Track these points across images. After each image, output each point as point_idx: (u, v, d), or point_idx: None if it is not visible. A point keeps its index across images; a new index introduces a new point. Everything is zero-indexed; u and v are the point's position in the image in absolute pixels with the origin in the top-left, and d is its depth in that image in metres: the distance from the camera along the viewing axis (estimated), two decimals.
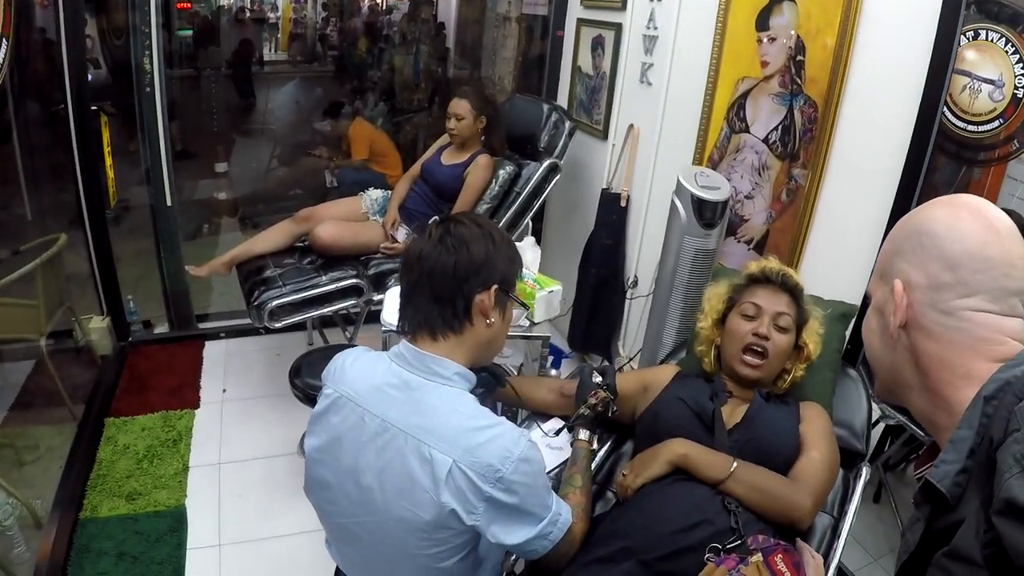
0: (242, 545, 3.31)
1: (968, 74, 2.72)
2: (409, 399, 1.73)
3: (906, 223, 1.25)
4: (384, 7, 7.72)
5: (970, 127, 2.80)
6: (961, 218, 1.16)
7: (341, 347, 3.64)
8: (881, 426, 3.27)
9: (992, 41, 2.74)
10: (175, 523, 3.35)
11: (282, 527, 3.39)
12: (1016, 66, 2.68)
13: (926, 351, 1.17)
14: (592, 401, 2.23)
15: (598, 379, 2.30)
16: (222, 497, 3.57)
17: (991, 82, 2.75)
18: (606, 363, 2.99)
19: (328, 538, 2.02)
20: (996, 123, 2.75)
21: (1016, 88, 2.69)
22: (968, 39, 2.67)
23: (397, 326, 1.86)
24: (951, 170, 2.90)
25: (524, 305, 2.59)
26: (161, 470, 3.67)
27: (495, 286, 1.78)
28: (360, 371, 1.85)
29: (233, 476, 3.71)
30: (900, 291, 1.19)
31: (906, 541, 1.15)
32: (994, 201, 2.67)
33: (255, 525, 3.41)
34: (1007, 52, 2.71)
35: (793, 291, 2.40)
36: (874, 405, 2.70)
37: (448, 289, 1.75)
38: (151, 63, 4.20)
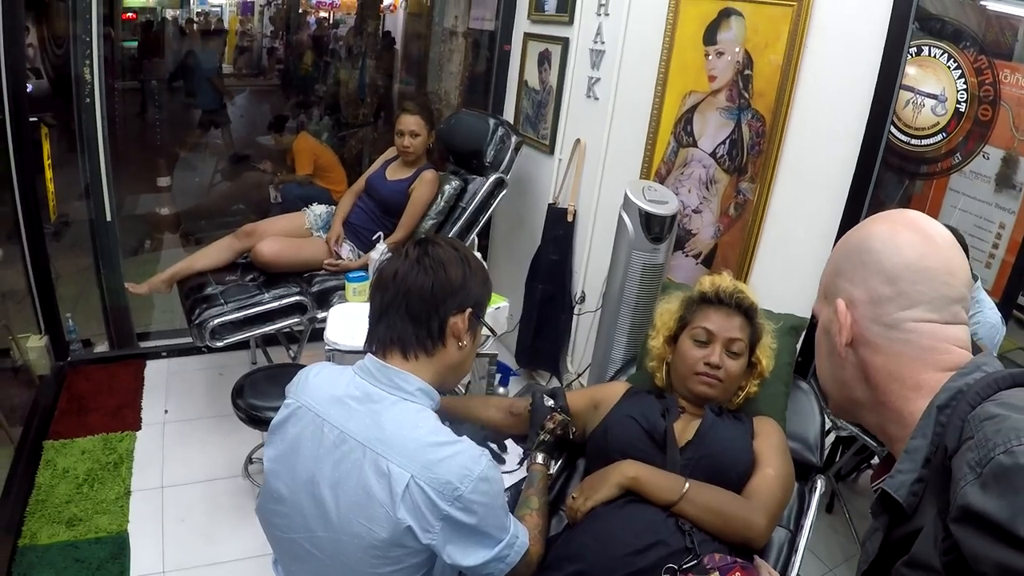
0: (186, 572, 3.22)
1: (911, 89, 2.76)
2: (370, 412, 1.70)
3: (845, 243, 1.27)
4: (331, 21, 7.68)
5: (913, 141, 2.84)
6: (898, 232, 1.19)
7: (285, 366, 3.58)
8: (832, 436, 3.28)
9: (935, 57, 2.77)
10: (117, 550, 3.24)
11: (227, 552, 3.30)
12: (958, 81, 2.71)
13: (874, 366, 1.18)
14: (550, 426, 2.20)
15: (550, 402, 2.27)
16: (165, 522, 3.47)
17: (934, 97, 2.78)
18: (556, 385, 2.96)
19: (275, 558, 1.96)
20: (939, 137, 2.79)
21: (958, 103, 2.72)
22: (911, 55, 2.68)
23: (364, 344, 1.84)
24: (895, 183, 2.93)
25: (492, 332, 2.59)
26: (102, 495, 3.56)
27: (469, 309, 1.80)
28: (323, 382, 1.82)
29: (176, 500, 3.62)
30: (843, 310, 1.21)
31: (865, 551, 1.16)
32: (936, 214, 2.72)
33: (199, 551, 3.32)
34: (949, 68, 2.74)
35: (747, 312, 2.37)
36: (826, 417, 2.69)
37: (425, 310, 1.75)
38: (91, 73, 4.12)
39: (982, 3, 2.97)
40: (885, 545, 1.10)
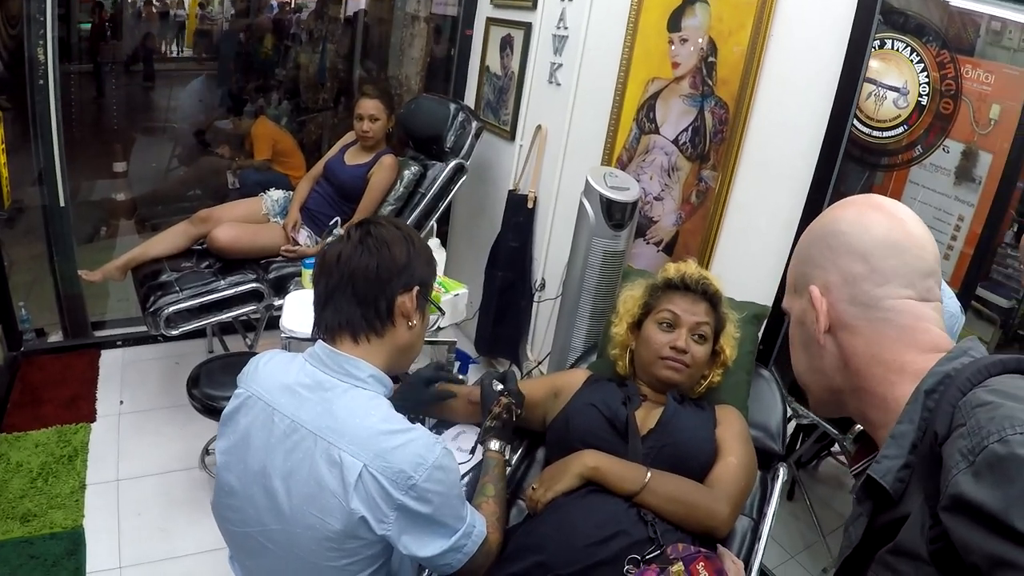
0: (143, 567, 3.15)
1: (874, 82, 2.76)
2: (321, 400, 1.68)
3: (809, 233, 1.27)
4: (293, 5, 7.60)
5: (875, 133, 2.84)
6: (864, 213, 1.19)
7: (241, 355, 3.53)
8: (793, 424, 3.28)
9: (898, 50, 2.77)
10: (73, 546, 3.16)
11: (184, 546, 3.25)
12: (921, 75, 2.72)
13: (855, 350, 1.16)
14: (496, 410, 2.19)
15: (499, 387, 2.25)
16: (121, 516, 3.40)
17: (896, 89, 2.78)
18: (511, 368, 2.93)
19: (231, 554, 1.93)
20: (900, 129, 2.80)
21: (920, 96, 2.73)
22: (875, 48, 2.68)
23: (312, 330, 1.82)
24: (856, 174, 2.93)
25: (440, 310, 2.57)
26: (57, 489, 3.47)
27: (416, 288, 1.79)
28: (273, 370, 1.80)
29: (132, 493, 3.54)
30: (818, 295, 1.20)
31: (848, 536, 1.14)
32: None
33: (156, 545, 3.26)
34: (912, 61, 2.75)
35: (712, 298, 2.36)
36: (787, 404, 2.70)
37: (371, 290, 1.74)
38: (45, 55, 4.03)
39: None
40: (869, 531, 1.09)
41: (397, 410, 2.04)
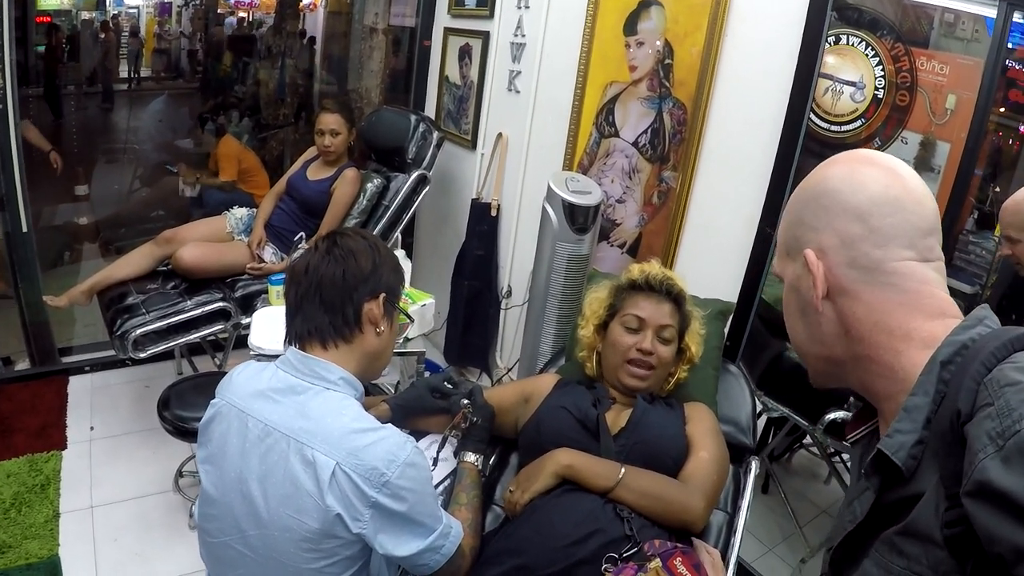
0: None
1: (830, 77, 2.79)
2: (293, 403, 1.71)
3: (800, 194, 1.20)
4: (251, 21, 7.56)
5: (833, 127, 2.87)
6: (856, 169, 1.13)
7: (211, 375, 3.51)
8: (764, 418, 3.31)
9: (853, 45, 2.80)
10: (49, 575, 3.14)
11: (161, 570, 3.21)
12: (876, 69, 2.75)
13: (856, 317, 1.10)
14: (456, 420, 2.21)
15: (465, 401, 2.24)
16: (97, 543, 3.36)
17: (852, 84, 2.81)
18: (479, 382, 2.93)
19: (209, 572, 1.92)
20: (858, 123, 2.82)
21: (877, 89, 2.76)
22: (830, 44, 2.72)
23: (285, 339, 1.86)
24: (813, 168, 2.95)
25: (410, 317, 2.58)
26: (30, 518, 3.42)
27: (383, 295, 1.84)
28: (246, 378, 1.83)
29: (107, 519, 3.50)
30: (814, 259, 1.12)
31: (852, 510, 1.08)
32: None
33: (134, 571, 3.22)
34: (867, 56, 2.78)
35: (677, 298, 2.38)
36: (756, 399, 2.73)
37: (338, 297, 1.79)
38: (3, 79, 3.99)
39: None
40: (875, 507, 1.03)
41: (395, 412, 2.14)
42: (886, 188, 1.10)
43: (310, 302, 1.79)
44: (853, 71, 2.81)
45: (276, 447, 1.67)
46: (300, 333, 1.81)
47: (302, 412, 1.69)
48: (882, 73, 2.77)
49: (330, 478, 1.59)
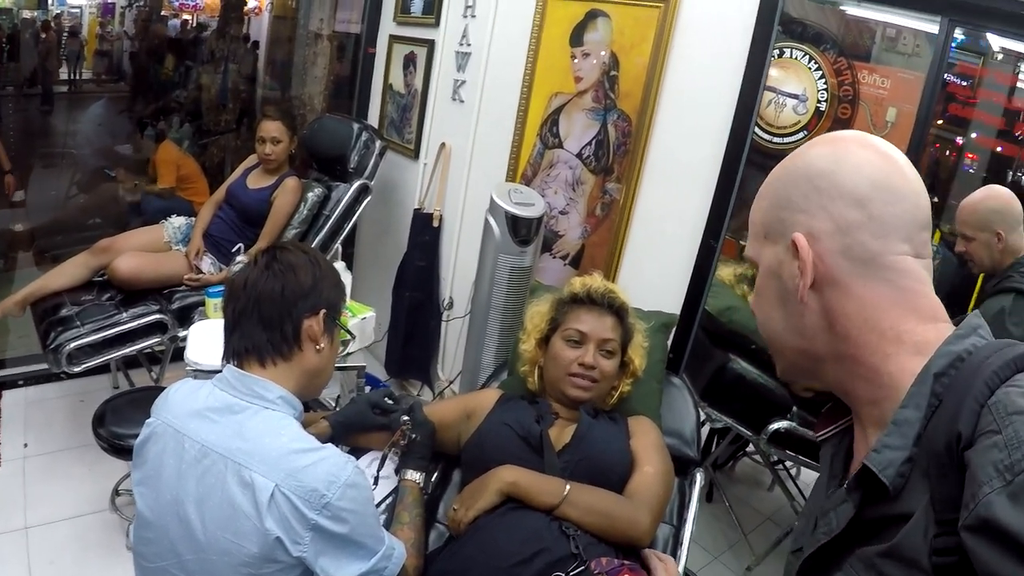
0: None
1: (774, 89, 2.81)
2: (230, 423, 1.66)
3: (787, 172, 1.10)
4: (195, 24, 7.47)
5: (776, 139, 2.89)
6: (851, 151, 1.04)
7: (147, 390, 3.44)
8: (707, 428, 3.32)
9: (797, 59, 2.83)
10: None
11: None
12: (819, 82, 2.78)
13: (843, 312, 1.01)
14: (394, 438, 2.17)
15: (405, 417, 2.20)
16: (32, 565, 3.26)
17: (795, 96, 2.84)
18: (418, 398, 2.90)
19: None
20: (800, 135, 2.86)
21: (819, 101, 2.80)
22: (774, 57, 2.73)
23: (222, 357, 1.80)
24: (758, 181, 2.97)
25: (351, 334, 2.55)
26: None
27: (323, 311, 1.78)
28: (182, 397, 1.76)
29: (43, 541, 3.39)
30: (805, 245, 1.02)
31: (828, 523, 1.01)
32: None
33: None
34: (810, 69, 2.80)
35: (619, 312, 2.37)
36: (699, 410, 2.73)
37: (277, 314, 1.73)
38: None
39: (842, 8, 3.05)
40: (854, 520, 0.96)
41: (335, 429, 2.08)
42: (887, 174, 1.02)
43: (248, 318, 1.74)
44: (796, 84, 2.84)
45: (213, 469, 1.62)
46: (238, 350, 1.75)
47: (240, 432, 1.64)
48: (824, 86, 2.81)
49: (269, 500, 1.55)
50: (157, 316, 3.80)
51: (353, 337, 2.95)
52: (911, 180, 1.02)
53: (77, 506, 3.61)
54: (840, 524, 0.98)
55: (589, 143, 3.41)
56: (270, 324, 1.74)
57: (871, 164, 1.02)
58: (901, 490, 0.91)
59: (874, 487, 0.93)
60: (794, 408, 2.99)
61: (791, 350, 1.11)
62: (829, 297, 1.02)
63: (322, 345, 1.80)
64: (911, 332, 0.98)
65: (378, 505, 2.15)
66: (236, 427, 1.65)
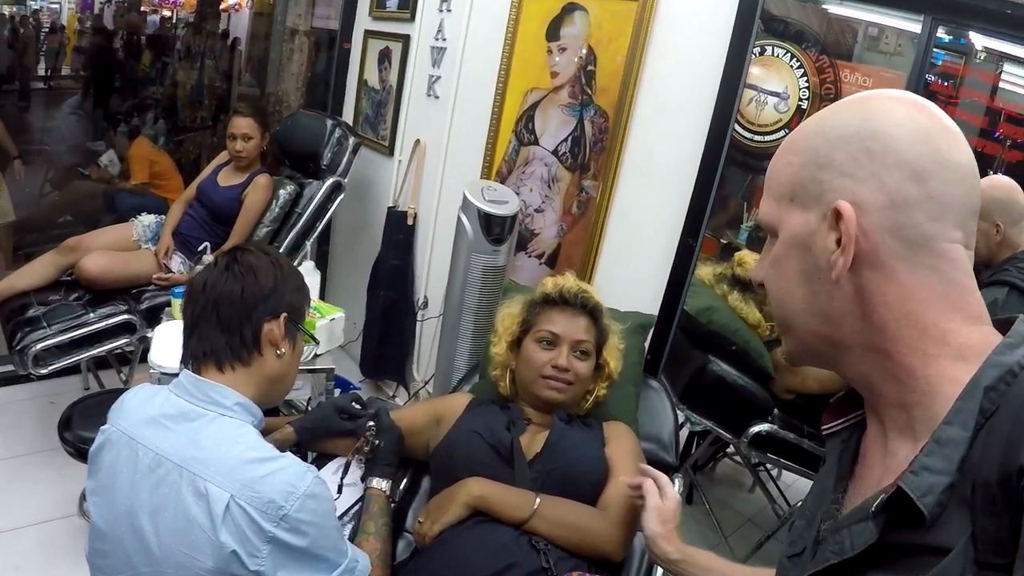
0: None
1: (755, 87, 2.78)
2: (186, 430, 1.60)
3: (826, 127, 0.95)
4: (174, 20, 7.42)
5: (756, 137, 2.86)
6: (912, 115, 0.90)
7: (116, 392, 3.36)
8: (687, 429, 3.27)
9: (778, 56, 2.80)
10: None
11: None
12: (801, 80, 2.75)
13: (883, 300, 0.88)
14: (358, 444, 2.11)
15: (371, 423, 2.13)
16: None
17: (776, 94, 2.81)
18: (385, 403, 2.83)
19: None
20: (781, 133, 2.84)
21: (801, 100, 2.77)
22: (755, 55, 2.70)
23: (180, 361, 1.74)
24: (738, 178, 2.94)
25: (314, 339, 2.48)
26: None
27: (284, 315, 1.73)
28: (138, 403, 1.70)
29: (9, 547, 3.32)
30: (851, 215, 0.87)
31: (838, 542, 0.89)
32: None
33: None
34: (792, 67, 2.77)
35: (593, 312, 2.30)
36: (678, 412, 2.68)
37: (236, 317, 1.68)
38: None
39: (824, 6, 3.02)
40: (872, 544, 0.84)
41: (300, 435, 2.02)
42: (950, 148, 0.88)
43: (206, 321, 1.68)
44: (778, 82, 2.81)
45: (168, 479, 1.55)
46: (195, 354, 1.69)
47: (195, 440, 1.57)
48: (806, 84, 2.78)
49: (224, 512, 1.48)
50: (125, 316, 3.74)
51: (317, 342, 2.89)
52: (971, 161, 0.90)
53: (46, 511, 3.53)
54: (856, 548, 0.86)
55: (565, 140, 3.35)
56: (229, 327, 1.68)
57: (934, 134, 0.89)
58: (936, 518, 0.79)
59: (905, 511, 0.81)
60: (775, 411, 2.95)
61: (809, 333, 0.98)
62: (868, 280, 0.89)
63: (283, 350, 1.74)
64: (955, 333, 0.87)
65: (344, 514, 2.09)
66: (191, 435, 1.58)
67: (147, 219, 4.28)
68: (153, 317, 3.79)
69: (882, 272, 0.88)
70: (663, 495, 1.69)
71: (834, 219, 0.89)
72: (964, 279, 0.88)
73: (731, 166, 2.75)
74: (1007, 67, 2.65)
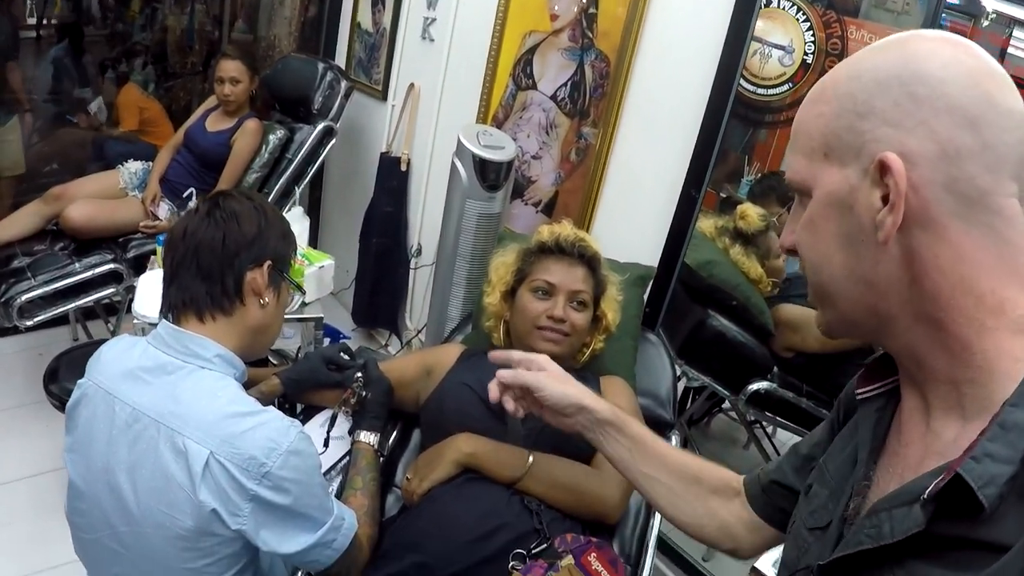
0: None
1: (760, 40, 2.72)
2: (164, 384, 1.56)
3: (861, 70, 0.85)
4: None
5: (760, 90, 2.81)
6: (956, 56, 0.80)
7: (104, 343, 3.31)
8: (683, 385, 3.22)
9: (784, 9, 2.75)
10: None
11: (61, 554, 2.88)
12: (807, 34, 2.71)
13: (935, 264, 0.79)
14: (344, 396, 2.07)
15: (358, 374, 2.09)
16: None
17: (782, 48, 2.75)
18: (374, 354, 2.77)
19: (87, 570, 1.79)
20: (785, 87, 2.80)
21: (806, 54, 2.72)
22: (761, 6, 2.64)
23: (160, 310, 1.69)
24: (739, 131, 2.89)
25: (300, 289, 2.41)
26: None
27: (268, 263, 1.68)
28: (115, 356, 1.67)
29: (0, 502, 3.30)
30: (900, 168, 0.77)
31: (875, 526, 0.80)
32: (779, 164, 2.80)
33: (30, 556, 3.03)
34: (799, 20, 2.72)
35: (590, 262, 2.22)
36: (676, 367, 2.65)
37: (217, 265, 1.63)
38: None
39: None
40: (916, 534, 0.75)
41: (287, 386, 1.99)
42: (1002, 92, 0.77)
43: (186, 270, 1.62)
44: (783, 35, 2.75)
45: (145, 434, 1.51)
46: (175, 303, 1.65)
47: (172, 395, 1.52)
48: (812, 39, 2.72)
49: (203, 469, 1.44)
50: (112, 266, 3.72)
51: (303, 292, 2.82)
52: (1021, 107, 0.79)
53: (37, 464, 3.51)
54: (897, 535, 0.77)
55: (564, 84, 3.26)
56: (210, 276, 1.62)
57: (983, 76, 0.78)
58: (993, 511, 0.70)
59: (958, 501, 0.72)
60: (775, 368, 2.90)
61: (851, 303, 0.88)
62: (919, 242, 0.79)
63: (267, 300, 1.69)
64: (1013, 303, 0.77)
65: (331, 469, 2.06)
66: (169, 389, 1.54)
67: (134, 166, 4.23)
68: (140, 266, 3.74)
69: (934, 232, 0.79)
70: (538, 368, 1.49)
71: (879, 173, 0.79)
72: (1019, 239, 0.78)
73: (732, 119, 2.69)
74: (1016, 31, 2.58)
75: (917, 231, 0.79)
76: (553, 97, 3.32)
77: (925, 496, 0.74)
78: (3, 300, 3.49)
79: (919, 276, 0.80)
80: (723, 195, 2.99)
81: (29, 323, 3.52)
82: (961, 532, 0.72)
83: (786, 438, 3.28)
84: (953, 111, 0.77)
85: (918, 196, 0.78)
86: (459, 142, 3.21)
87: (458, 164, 3.21)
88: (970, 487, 0.70)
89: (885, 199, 0.79)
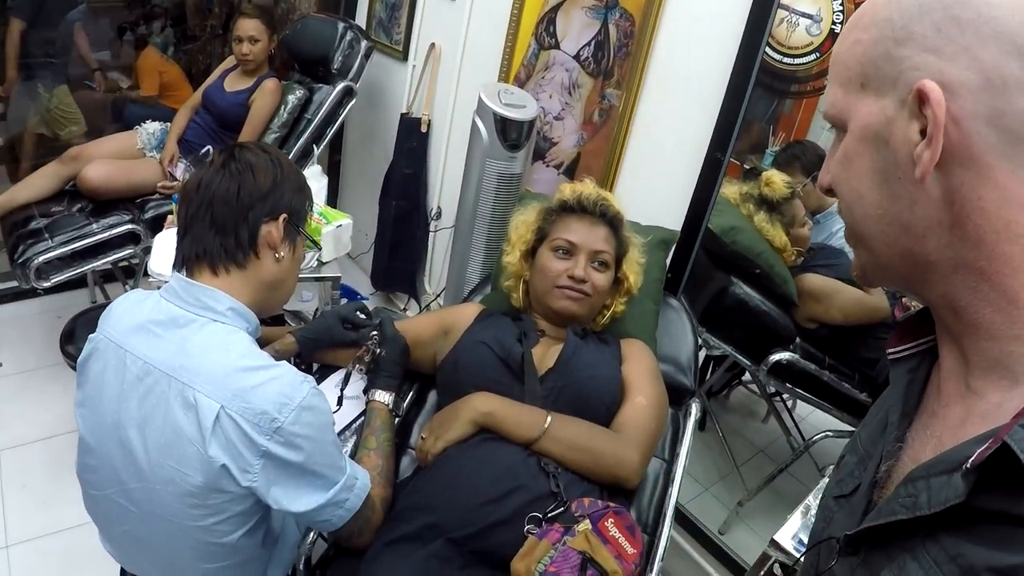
0: (32, 543, 2.96)
1: (787, 8, 2.66)
2: (175, 337, 1.54)
3: None
4: None
5: (786, 59, 2.77)
6: None
7: None
8: (703, 355, 3.18)
9: None
10: None
11: (74, 515, 2.91)
12: (835, 3, 2.64)
13: (980, 206, 0.72)
14: (358, 354, 2.05)
15: (375, 332, 2.07)
16: (5, 488, 3.17)
17: (809, 16, 2.69)
18: (388, 313, 2.74)
19: (100, 533, 1.77)
20: (811, 57, 2.74)
21: (834, 24, 2.66)
22: None
23: (174, 264, 1.66)
24: (764, 101, 2.85)
25: (316, 244, 2.37)
26: None
27: (283, 216, 1.66)
28: (126, 309, 1.66)
29: (16, 462, 3.31)
30: (939, 97, 0.70)
31: (910, 495, 0.74)
32: (804, 133, 2.79)
33: (44, 517, 3.04)
34: None
35: (612, 221, 2.17)
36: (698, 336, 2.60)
37: (231, 216, 1.61)
38: None
39: None
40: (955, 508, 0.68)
41: (302, 345, 1.96)
42: None
43: (200, 222, 1.60)
44: (811, 4, 2.70)
45: (156, 388, 1.49)
46: (188, 256, 1.62)
47: (183, 348, 1.50)
48: (840, 8, 2.67)
49: (214, 424, 1.42)
50: (129, 226, 3.69)
51: (318, 247, 2.78)
52: None
53: (53, 425, 3.53)
54: (934, 506, 0.70)
55: (588, 44, 3.19)
56: (223, 228, 1.60)
57: None
58: None
59: (1002, 472, 0.64)
60: (797, 339, 2.86)
61: (885, 246, 0.80)
62: (960, 181, 0.71)
63: (282, 254, 1.67)
64: None
65: (345, 428, 2.05)
66: (180, 342, 1.51)
67: (152, 127, 4.20)
68: (157, 227, 3.69)
69: (976, 171, 0.71)
70: None
71: (917, 104, 0.72)
72: None
73: (757, 88, 2.64)
74: None
75: (958, 169, 0.72)
76: (576, 57, 3.26)
77: (968, 465, 0.67)
78: (21, 261, 3.47)
79: (960, 219, 0.73)
80: (747, 166, 2.95)
81: (46, 284, 3.50)
82: (1004, 507, 0.66)
83: (805, 412, 3.25)
84: (1000, 37, 0.69)
85: (959, 129, 0.70)
86: (480, 100, 3.17)
87: (479, 123, 3.17)
88: (1018, 457, 0.63)
89: (923, 132, 0.72)
